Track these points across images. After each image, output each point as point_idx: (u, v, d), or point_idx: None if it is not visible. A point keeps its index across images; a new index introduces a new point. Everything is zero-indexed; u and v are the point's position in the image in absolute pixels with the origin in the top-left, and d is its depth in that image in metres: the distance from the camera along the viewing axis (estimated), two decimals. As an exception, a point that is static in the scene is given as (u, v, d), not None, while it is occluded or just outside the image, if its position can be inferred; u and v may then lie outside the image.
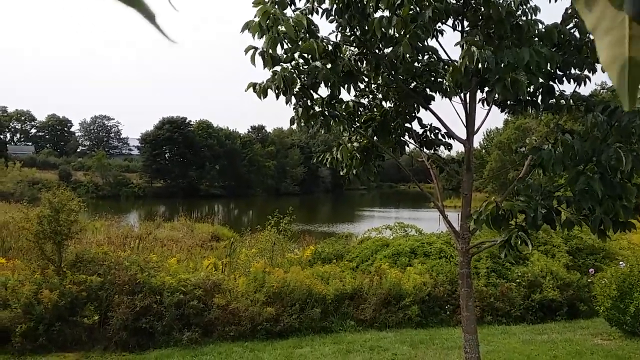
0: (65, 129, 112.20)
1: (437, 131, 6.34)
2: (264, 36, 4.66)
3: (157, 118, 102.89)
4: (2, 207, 31.05)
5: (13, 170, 57.58)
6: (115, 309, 9.05)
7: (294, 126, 5.72)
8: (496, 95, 4.87)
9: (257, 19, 4.64)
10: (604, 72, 5.39)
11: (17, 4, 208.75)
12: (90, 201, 34.52)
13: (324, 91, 5.38)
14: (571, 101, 5.45)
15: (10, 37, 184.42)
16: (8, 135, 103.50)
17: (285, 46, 4.83)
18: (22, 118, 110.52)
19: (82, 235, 11.93)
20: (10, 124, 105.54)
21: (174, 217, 29.96)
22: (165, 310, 9.26)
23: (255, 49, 4.84)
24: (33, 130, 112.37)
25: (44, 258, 9.74)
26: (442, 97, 5.84)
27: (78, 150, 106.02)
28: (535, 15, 5.08)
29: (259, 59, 4.86)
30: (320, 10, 5.36)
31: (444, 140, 6.36)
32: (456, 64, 4.63)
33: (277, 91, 5.00)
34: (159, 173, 79.76)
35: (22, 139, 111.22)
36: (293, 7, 5.14)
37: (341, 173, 6.35)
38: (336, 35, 5.38)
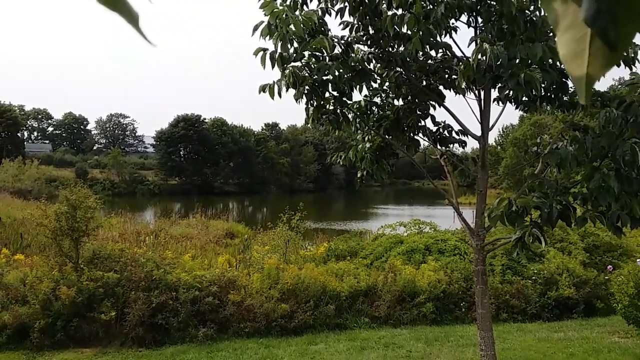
0: (82, 127, 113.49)
1: (450, 128, 6.31)
2: (273, 36, 4.67)
3: (172, 116, 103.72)
4: (20, 204, 31.49)
5: (31, 168, 58.18)
6: (132, 305, 9.14)
7: (309, 124, 5.74)
8: (510, 92, 4.84)
9: (266, 21, 4.66)
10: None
11: (36, 6, 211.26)
12: (106, 198, 34.83)
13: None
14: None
15: (28, 37, 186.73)
16: (25, 133, 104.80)
17: (295, 45, 4.84)
18: (39, 116, 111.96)
19: (98, 231, 12.07)
20: (28, 122, 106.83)
21: (189, 214, 30.12)
22: (180, 306, 9.34)
23: (265, 50, 4.86)
24: (50, 129, 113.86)
25: (61, 255, 9.87)
26: (456, 94, 5.81)
27: (94, 148, 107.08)
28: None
29: (269, 61, 4.87)
30: (333, 12, 5.37)
31: (457, 137, 6.33)
32: (469, 60, 4.61)
33: (287, 90, 5.01)
34: (174, 170, 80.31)
35: (39, 137, 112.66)
36: (306, 8, 5.14)
37: (357, 175, 6.36)
38: (347, 37, 5.37)
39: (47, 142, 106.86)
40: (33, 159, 60.71)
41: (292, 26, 4.50)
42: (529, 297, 11.06)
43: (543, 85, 4.74)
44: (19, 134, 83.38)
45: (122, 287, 9.47)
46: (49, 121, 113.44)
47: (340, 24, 5.47)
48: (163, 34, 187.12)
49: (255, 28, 4.74)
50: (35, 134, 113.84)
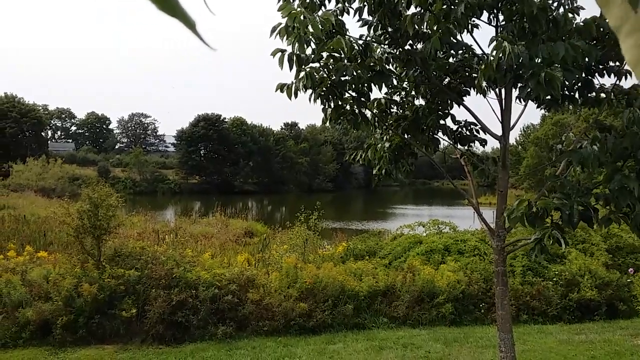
0: (104, 126, 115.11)
1: (471, 127, 6.26)
2: (291, 37, 4.68)
3: (193, 115, 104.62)
4: (44, 202, 32.05)
5: (54, 166, 59.10)
6: (152, 302, 9.24)
7: (327, 123, 5.74)
8: (531, 91, 4.78)
9: (284, 22, 4.67)
10: None
11: (61, 5, 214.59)
12: (128, 197, 35.28)
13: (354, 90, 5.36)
14: (612, 94, 5.30)
15: (50, 37, 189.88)
16: (49, 132, 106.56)
17: (313, 46, 4.85)
18: (63, 116, 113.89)
19: (119, 229, 12.21)
20: (52, 121, 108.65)
21: (209, 213, 30.36)
22: (200, 304, 9.42)
23: (283, 51, 4.88)
24: (73, 128, 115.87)
25: (83, 252, 10.01)
26: (477, 94, 5.76)
27: (116, 147, 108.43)
28: (572, 6, 4.96)
29: (287, 62, 4.90)
30: (351, 11, 5.36)
31: (478, 136, 6.27)
32: (490, 59, 4.56)
33: (305, 91, 5.02)
34: (194, 169, 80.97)
35: (62, 136, 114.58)
36: (324, 8, 5.14)
37: (374, 171, 6.33)
38: (366, 37, 5.36)
39: (70, 141, 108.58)
40: (57, 158, 61.63)
41: (309, 27, 4.50)
42: (549, 298, 10.92)
43: (566, 85, 4.67)
44: (42, 133, 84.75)
45: (143, 285, 9.58)
46: (72, 120, 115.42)
47: (358, 21, 5.47)
48: (181, 34, 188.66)
49: (273, 30, 4.76)
50: (59, 133, 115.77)
